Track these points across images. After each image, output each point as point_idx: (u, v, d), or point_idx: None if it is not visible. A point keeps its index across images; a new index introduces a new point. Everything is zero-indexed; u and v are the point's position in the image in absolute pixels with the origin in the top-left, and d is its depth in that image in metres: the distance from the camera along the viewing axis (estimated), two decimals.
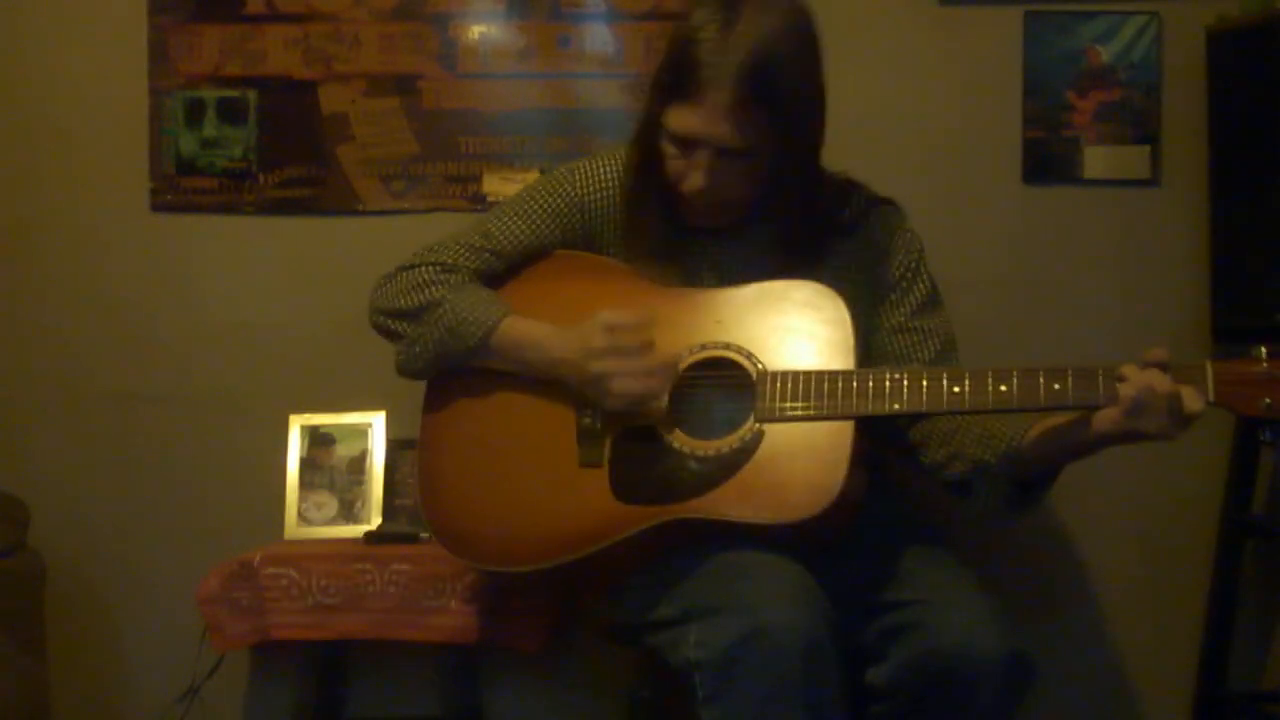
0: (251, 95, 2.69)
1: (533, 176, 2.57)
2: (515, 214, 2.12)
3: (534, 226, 2.10)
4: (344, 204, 2.69)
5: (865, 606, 1.88)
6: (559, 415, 2.00)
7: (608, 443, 1.97)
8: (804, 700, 1.71)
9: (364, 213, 2.69)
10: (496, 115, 2.68)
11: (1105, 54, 2.65)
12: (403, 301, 2.06)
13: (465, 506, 2.02)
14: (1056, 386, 1.82)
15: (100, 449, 2.70)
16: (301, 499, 2.58)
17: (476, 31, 2.69)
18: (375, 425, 2.60)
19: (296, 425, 2.60)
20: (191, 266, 2.71)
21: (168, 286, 2.70)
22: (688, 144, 1.94)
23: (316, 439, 2.60)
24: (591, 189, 2.11)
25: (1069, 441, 1.87)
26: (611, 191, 2.11)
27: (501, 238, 2.10)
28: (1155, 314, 2.67)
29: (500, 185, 2.64)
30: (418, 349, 2.05)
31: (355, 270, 2.64)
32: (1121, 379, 1.78)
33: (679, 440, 1.94)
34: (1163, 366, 1.77)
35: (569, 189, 2.11)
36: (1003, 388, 1.84)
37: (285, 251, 2.70)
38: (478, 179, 2.68)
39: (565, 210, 2.11)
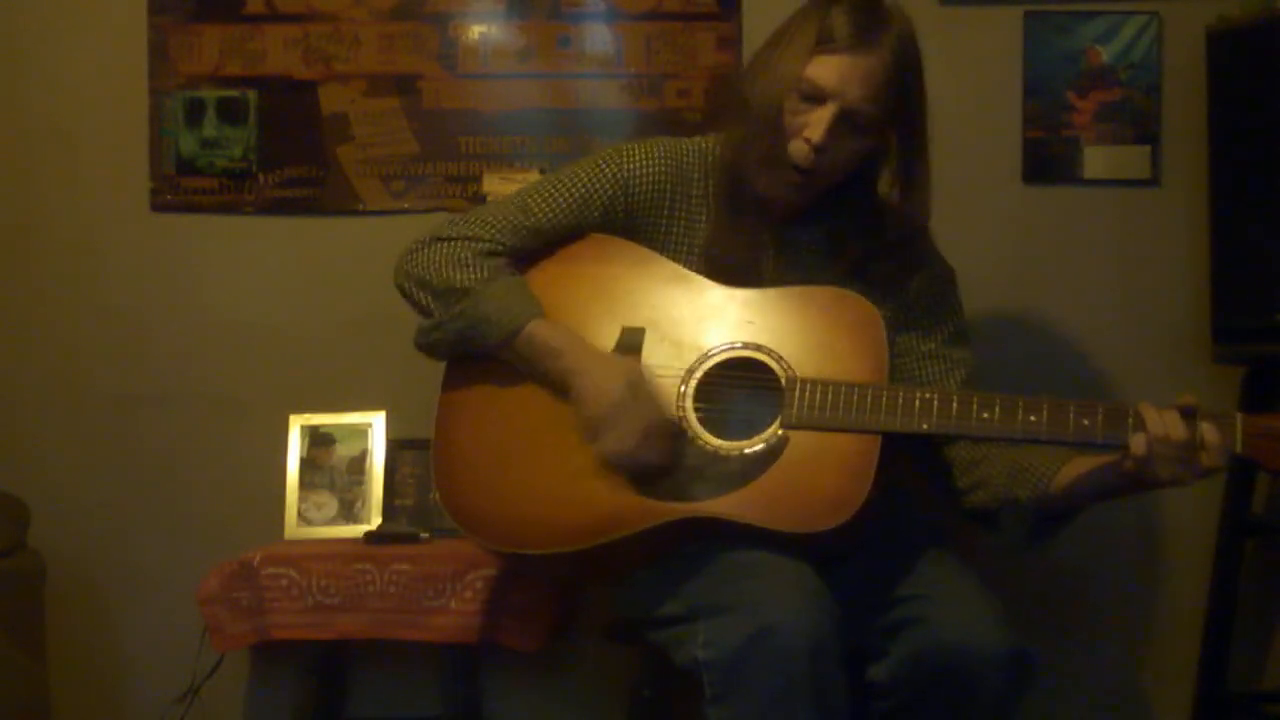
0: (251, 95, 2.69)
1: (532, 176, 2.56)
2: (559, 191, 2.07)
3: (576, 206, 2.06)
4: (344, 204, 2.69)
5: (867, 603, 1.88)
6: None
7: None
8: (812, 700, 1.71)
9: (364, 213, 2.69)
10: (496, 115, 2.68)
11: (1105, 54, 2.65)
12: (432, 275, 2.02)
13: (482, 487, 1.99)
14: (1086, 422, 1.80)
15: (100, 449, 2.70)
16: (301, 499, 2.58)
17: (476, 31, 2.69)
18: (375, 425, 2.60)
19: (296, 425, 2.60)
20: (191, 266, 2.71)
21: (168, 286, 2.70)
22: (818, 97, 1.93)
23: (316, 439, 2.60)
24: (640, 174, 2.06)
25: (1098, 487, 1.87)
26: (661, 180, 2.07)
27: (542, 215, 2.06)
28: (1155, 314, 2.67)
29: (500, 185, 2.64)
30: (436, 336, 2.02)
31: (355, 270, 2.66)
32: (1140, 421, 1.77)
33: (702, 437, 1.94)
34: (1191, 412, 1.76)
35: (617, 171, 2.07)
36: (1032, 418, 1.82)
37: (285, 251, 2.70)
38: (478, 179, 2.67)
39: (611, 191, 2.06)
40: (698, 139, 2.13)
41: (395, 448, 2.60)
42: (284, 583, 2.35)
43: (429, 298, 2.03)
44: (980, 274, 2.62)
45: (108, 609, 2.70)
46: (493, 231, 2.05)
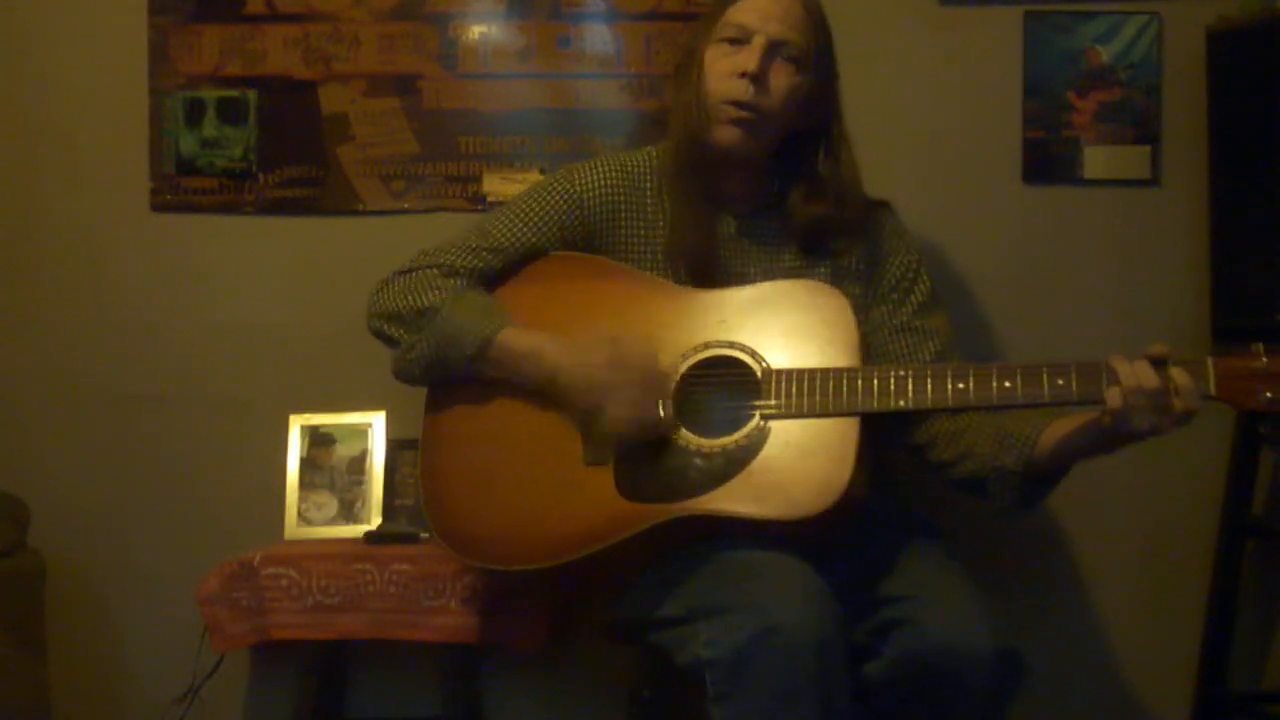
0: (251, 95, 2.69)
1: (533, 176, 2.57)
2: (514, 213, 2.13)
3: (533, 225, 2.11)
4: (344, 204, 2.69)
5: (858, 603, 1.88)
6: (563, 414, 2.00)
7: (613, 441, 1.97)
8: (816, 699, 1.72)
9: (364, 213, 2.69)
10: (496, 115, 2.68)
11: (1105, 54, 2.65)
12: (400, 305, 2.06)
13: (470, 507, 2.02)
14: (1060, 382, 1.84)
15: (100, 449, 2.70)
16: (301, 499, 2.58)
17: (476, 31, 2.69)
18: (375, 425, 2.60)
19: (296, 425, 2.60)
20: (191, 266, 2.70)
21: (168, 286, 2.70)
22: (744, 37, 2.01)
23: (316, 439, 2.60)
24: (591, 188, 2.12)
25: (1082, 445, 1.89)
26: (612, 191, 2.12)
27: (500, 236, 2.11)
28: (1155, 314, 2.67)
29: (500, 185, 2.64)
30: (412, 357, 2.05)
31: (355, 270, 2.65)
32: (1113, 374, 1.79)
33: (685, 438, 1.95)
34: (1162, 361, 1.78)
35: (567, 187, 2.13)
36: (1007, 384, 1.85)
37: (285, 251, 2.70)
38: (478, 179, 2.68)
39: (564, 208, 2.12)
40: (645, 148, 2.18)
41: (395, 448, 2.59)
42: (284, 583, 2.35)
43: (399, 329, 2.07)
44: (980, 274, 2.64)
45: (108, 609, 2.70)
46: (450, 257, 2.09)
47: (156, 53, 2.69)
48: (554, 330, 2.03)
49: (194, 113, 2.69)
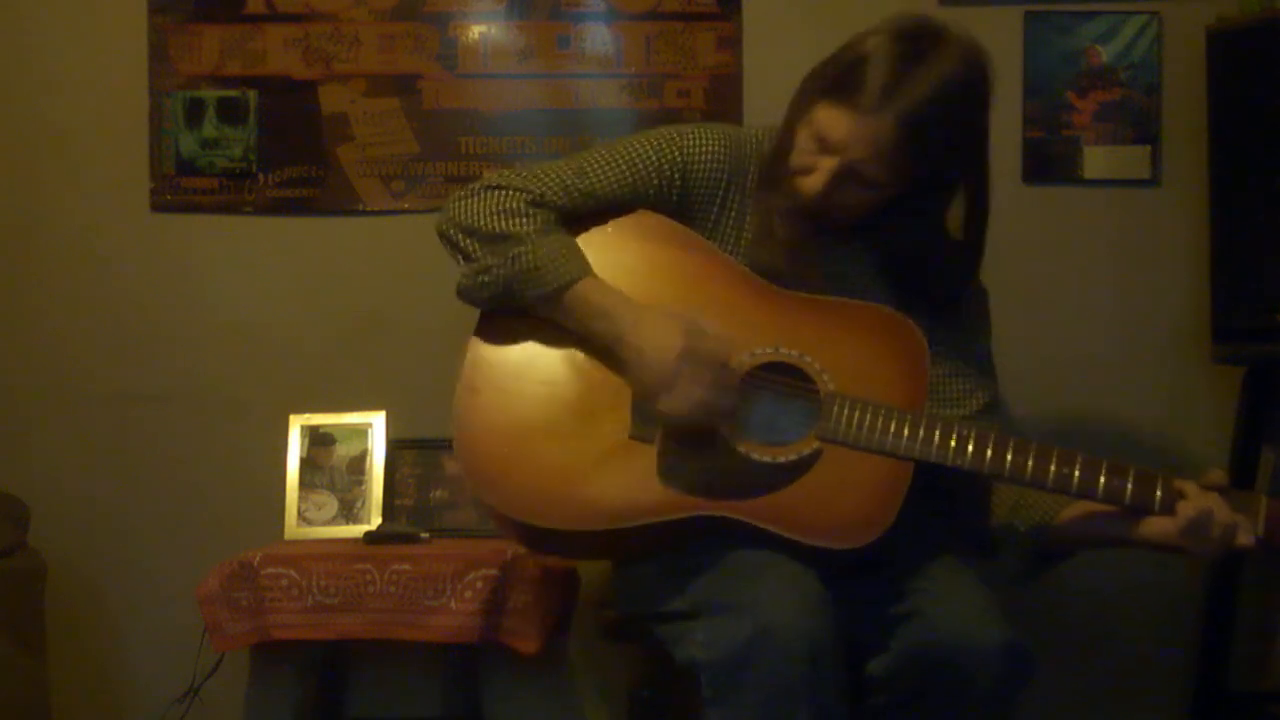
0: (251, 95, 2.69)
1: None
2: (616, 161, 2.02)
3: (632, 179, 2.01)
4: (344, 204, 2.69)
5: (865, 598, 1.87)
6: (617, 379, 1.93)
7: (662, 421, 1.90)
8: (808, 704, 1.70)
9: (364, 213, 2.69)
10: (496, 115, 2.68)
11: (1105, 54, 2.65)
12: (483, 222, 1.97)
13: (504, 452, 1.94)
14: (1116, 483, 1.79)
15: (100, 449, 2.70)
16: (301, 499, 2.58)
17: (476, 31, 2.69)
18: (375, 425, 2.60)
19: (296, 425, 2.60)
20: (192, 266, 2.71)
21: (168, 286, 2.70)
22: (825, 146, 1.89)
23: (316, 439, 2.60)
24: (700, 157, 2.01)
25: (1104, 534, 1.86)
26: (719, 167, 2.02)
27: (597, 181, 2.00)
28: (1155, 314, 2.67)
29: None
30: (485, 279, 1.96)
31: (355, 270, 2.66)
32: (1181, 495, 1.76)
33: (735, 439, 1.91)
34: (1220, 489, 1.75)
35: (676, 152, 2.01)
36: (1064, 470, 1.80)
37: (285, 251, 2.70)
38: (478, 179, 2.66)
39: (669, 172, 2.01)
40: (756, 128, 2.08)
41: (395, 448, 2.60)
42: (284, 583, 2.35)
43: (475, 244, 1.97)
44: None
45: (108, 609, 2.70)
46: (543, 187, 1.99)
47: (156, 53, 2.69)
48: (630, 290, 1.94)
49: (194, 113, 2.69)
